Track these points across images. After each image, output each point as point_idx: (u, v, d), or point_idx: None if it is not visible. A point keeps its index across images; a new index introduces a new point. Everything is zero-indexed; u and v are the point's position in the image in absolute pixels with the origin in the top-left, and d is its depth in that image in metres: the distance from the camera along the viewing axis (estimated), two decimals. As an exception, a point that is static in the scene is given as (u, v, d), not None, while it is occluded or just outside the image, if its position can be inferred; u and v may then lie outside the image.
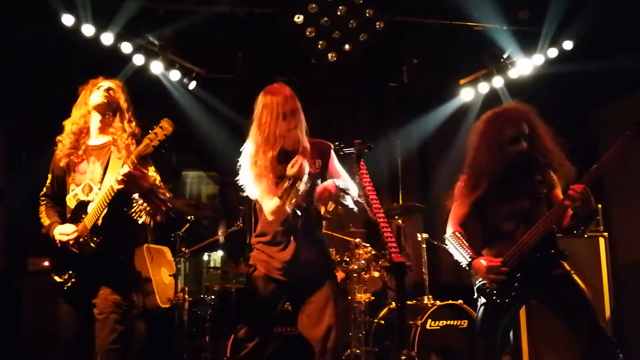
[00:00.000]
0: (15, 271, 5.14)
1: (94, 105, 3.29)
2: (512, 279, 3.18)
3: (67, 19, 5.32)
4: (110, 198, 3.03)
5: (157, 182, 3.16)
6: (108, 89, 3.33)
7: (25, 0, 5.27)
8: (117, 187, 2.98)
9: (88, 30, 5.40)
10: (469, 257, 3.26)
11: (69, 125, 3.32)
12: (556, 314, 3.27)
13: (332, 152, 3.35)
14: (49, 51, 5.53)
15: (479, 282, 3.28)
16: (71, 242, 3.15)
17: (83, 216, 3.15)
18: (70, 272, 3.20)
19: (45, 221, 3.31)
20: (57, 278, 3.25)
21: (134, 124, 3.32)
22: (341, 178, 3.30)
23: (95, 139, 3.33)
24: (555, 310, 3.27)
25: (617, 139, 3.08)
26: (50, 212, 3.34)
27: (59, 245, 3.18)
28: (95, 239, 3.12)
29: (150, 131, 2.92)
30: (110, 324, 3.10)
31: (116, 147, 3.24)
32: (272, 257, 3.19)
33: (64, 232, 3.16)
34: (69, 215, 3.25)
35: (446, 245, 3.43)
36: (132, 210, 3.03)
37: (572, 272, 3.23)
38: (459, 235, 3.34)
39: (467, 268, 3.30)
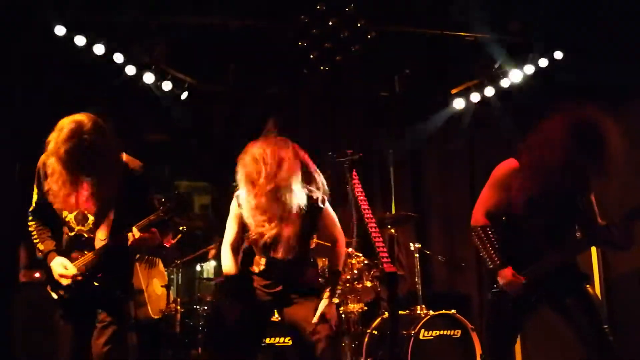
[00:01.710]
0: (6, 283, 5.10)
1: (63, 153, 3.01)
2: (530, 295, 3.20)
3: (59, 30, 5.31)
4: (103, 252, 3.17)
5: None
6: (75, 132, 3.02)
7: (18, 11, 5.27)
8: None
9: (80, 40, 5.40)
10: (498, 263, 3.20)
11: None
12: (563, 317, 3.28)
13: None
14: (41, 62, 5.52)
15: (497, 288, 3.25)
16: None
17: (81, 249, 3.19)
18: (66, 292, 3.20)
19: (40, 246, 3.24)
20: (53, 295, 3.24)
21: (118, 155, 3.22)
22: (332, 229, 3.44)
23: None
24: (562, 314, 3.28)
25: None
26: (44, 235, 3.25)
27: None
28: (96, 276, 3.18)
29: (162, 207, 3.18)
30: (109, 333, 3.14)
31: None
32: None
33: (64, 274, 3.14)
34: (64, 246, 3.23)
35: (474, 235, 3.31)
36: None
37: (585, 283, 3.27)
38: (491, 234, 3.25)
39: (490, 268, 3.25)
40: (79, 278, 3.15)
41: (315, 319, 3.19)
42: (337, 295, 3.38)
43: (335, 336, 3.25)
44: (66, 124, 3.04)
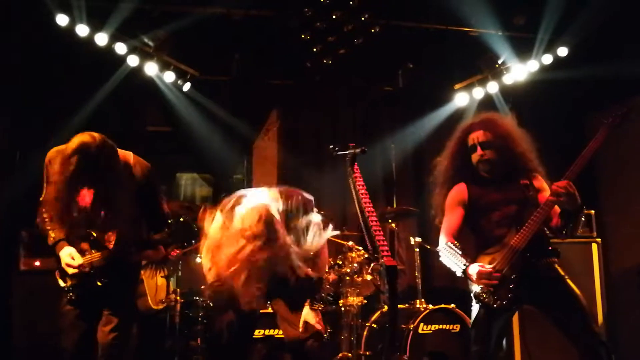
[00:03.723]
0: (6, 270, 5.11)
1: (65, 178, 3.04)
2: (506, 283, 3.19)
3: (62, 19, 5.29)
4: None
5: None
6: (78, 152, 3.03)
7: (20, 0, 5.26)
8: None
9: (82, 30, 5.38)
10: (463, 265, 3.27)
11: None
12: (550, 317, 3.31)
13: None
14: (43, 51, 5.51)
15: (475, 288, 3.29)
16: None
17: (92, 250, 3.22)
18: (74, 283, 3.22)
19: (52, 233, 3.24)
20: (61, 282, 3.26)
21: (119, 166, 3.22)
22: None
23: None
24: (550, 314, 3.31)
25: (599, 129, 3.15)
26: (56, 225, 3.24)
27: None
28: (102, 278, 3.22)
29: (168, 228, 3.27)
30: (115, 321, 3.20)
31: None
32: None
33: (70, 264, 3.17)
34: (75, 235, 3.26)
35: (440, 257, 3.45)
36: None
37: (565, 276, 3.25)
38: (452, 246, 3.36)
39: (462, 276, 3.31)
40: (86, 269, 3.18)
41: (300, 328, 3.24)
42: (319, 304, 3.38)
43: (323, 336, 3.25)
44: (71, 144, 3.07)
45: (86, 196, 3.15)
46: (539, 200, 3.31)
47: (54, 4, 5.24)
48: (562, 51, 5.90)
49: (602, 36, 5.43)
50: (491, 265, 3.21)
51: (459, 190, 3.53)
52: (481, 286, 3.23)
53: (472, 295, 3.33)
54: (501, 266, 3.19)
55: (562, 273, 3.28)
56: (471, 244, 3.48)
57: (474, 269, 3.22)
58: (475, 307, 3.33)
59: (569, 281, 3.25)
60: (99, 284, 3.19)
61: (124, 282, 3.32)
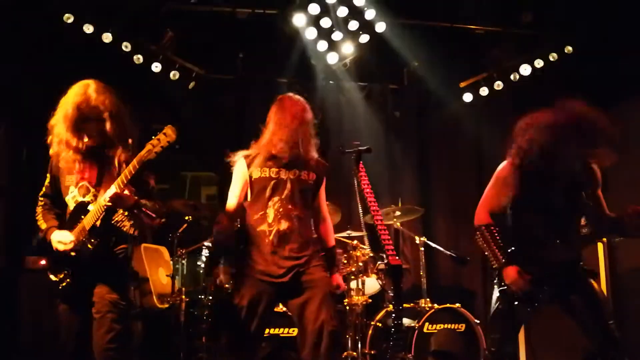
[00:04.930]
0: (13, 269, 5.13)
1: (70, 112, 3.17)
2: (537, 292, 3.21)
3: (68, 17, 5.31)
4: (102, 211, 3.12)
5: (144, 201, 3.20)
6: (85, 92, 3.20)
7: (26, -1, 5.27)
8: (105, 204, 3.09)
9: (88, 28, 5.39)
10: (503, 262, 3.22)
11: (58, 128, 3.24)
12: (569, 313, 3.31)
13: (325, 178, 3.51)
14: (49, 49, 5.52)
15: (504, 286, 3.26)
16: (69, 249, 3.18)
17: (82, 217, 3.18)
18: (66, 271, 3.20)
19: (42, 224, 3.30)
20: (52, 277, 3.25)
21: (123, 127, 3.26)
22: (320, 203, 3.51)
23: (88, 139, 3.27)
24: (568, 311, 3.31)
25: None
26: (48, 215, 3.33)
27: (56, 250, 3.20)
28: (93, 240, 3.15)
29: (153, 137, 2.99)
30: (107, 323, 3.10)
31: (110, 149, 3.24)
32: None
33: (62, 240, 3.18)
34: (67, 217, 3.26)
35: (477, 235, 3.35)
36: (115, 220, 3.21)
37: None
38: (495, 233, 3.28)
39: (494, 267, 3.28)
40: (80, 238, 3.16)
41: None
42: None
43: (339, 330, 3.23)
44: (73, 87, 3.22)
45: (85, 172, 3.22)
46: (593, 211, 3.34)
47: (60, 2, 5.25)
48: (569, 48, 5.87)
49: (610, 33, 5.39)
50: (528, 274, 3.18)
51: None
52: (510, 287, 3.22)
53: (498, 290, 3.30)
54: (538, 277, 3.18)
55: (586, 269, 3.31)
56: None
57: (511, 271, 3.19)
58: (496, 298, 3.32)
59: (592, 281, 3.28)
60: (89, 247, 3.12)
61: (114, 254, 3.24)
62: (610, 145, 3.14)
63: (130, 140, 3.21)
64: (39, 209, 3.37)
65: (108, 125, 3.19)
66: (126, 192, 3.09)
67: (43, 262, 4.77)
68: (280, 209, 3.28)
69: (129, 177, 3.03)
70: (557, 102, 3.27)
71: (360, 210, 3.26)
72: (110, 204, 3.07)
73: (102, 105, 3.19)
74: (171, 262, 5.34)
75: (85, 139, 3.20)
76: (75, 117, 3.17)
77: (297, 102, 3.44)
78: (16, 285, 5.00)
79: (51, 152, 3.29)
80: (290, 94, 3.53)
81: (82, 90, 3.20)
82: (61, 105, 3.24)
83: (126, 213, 3.20)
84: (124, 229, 3.24)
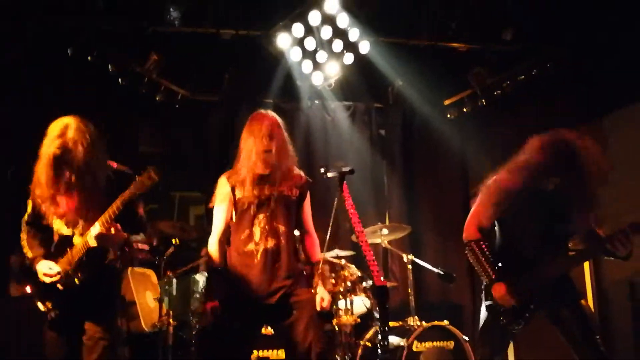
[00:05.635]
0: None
1: (49, 156, 3.12)
2: (525, 308, 3.24)
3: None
4: (87, 248, 3.12)
5: (134, 237, 3.23)
6: (62, 135, 3.11)
7: (11, 18, 5.25)
8: (92, 244, 3.09)
9: (72, 50, 5.39)
10: (493, 277, 3.25)
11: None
12: (557, 327, 3.34)
13: (308, 192, 3.55)
14: (34, 69, 5.50)
15: (491, 300, 3.29)
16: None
17: (68, 249, 3.17)
18: (54, 301, 3.19)
19: (29, 253, 3.28)
20: (40, 306, 3.23)
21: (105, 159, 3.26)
22: (304, 218, 3.53)
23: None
24: (557, 325, 3.34)
25: None
26: (33, 243, 3.30)
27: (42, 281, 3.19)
28: (80, 274, 3.15)
29: (137, 177, 3.03)
30: (99, 349, 3.12)
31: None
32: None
33: (48, 273, 3.16)
34: (53, 249, 3.24)
35: (467, 250, 3.37)
36: (108, 260, 3.22)
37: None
38: (485, 248, 3.30)
39: (484, 282, 3.31)
40: (67, 269, 3.14)
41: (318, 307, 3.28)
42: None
43: (327, 351, 3.22)
44: (53, 126, 3.17)
45: (67, 204, 3.18)
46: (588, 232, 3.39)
47: (46, 24, 5.24)
48: (549, 64, 5.91)
49: (591, 47, 5.45)
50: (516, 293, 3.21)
51: None
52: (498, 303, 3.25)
53: (485, 305, 3.33)
54: (526, 294, 3.22)
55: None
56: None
57: (500, 288, 3.23)
58: (484, 311, 3.34)
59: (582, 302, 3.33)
60: (76, 281, 3.13)
61: (102, 284, 3.23)
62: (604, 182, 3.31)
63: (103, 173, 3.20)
64: (23, 235, 3.35)
65: (85, 161, 3.13)
66: (112, 230, 3.07)
67: (28, 289, 4.74)
68: (266, 227, 3.28)
69: (113, 217, 3.04)
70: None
71: (328, 235, 3.26)
72: (96, 244, 3.08)
73: (80, 146, 3.12)
74: (159, 285, 5.31)
75: (65, 178, 3.15)
76: (53, 168, 3.12)
77: (265, 116, 3.44)
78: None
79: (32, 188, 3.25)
80: (261, 110, 3.54)
81: (60, 132, 3.12)
82: (42, 155, 3.16)
83: (117, 252, 3.20)
84: (115, 265, 3.25)
